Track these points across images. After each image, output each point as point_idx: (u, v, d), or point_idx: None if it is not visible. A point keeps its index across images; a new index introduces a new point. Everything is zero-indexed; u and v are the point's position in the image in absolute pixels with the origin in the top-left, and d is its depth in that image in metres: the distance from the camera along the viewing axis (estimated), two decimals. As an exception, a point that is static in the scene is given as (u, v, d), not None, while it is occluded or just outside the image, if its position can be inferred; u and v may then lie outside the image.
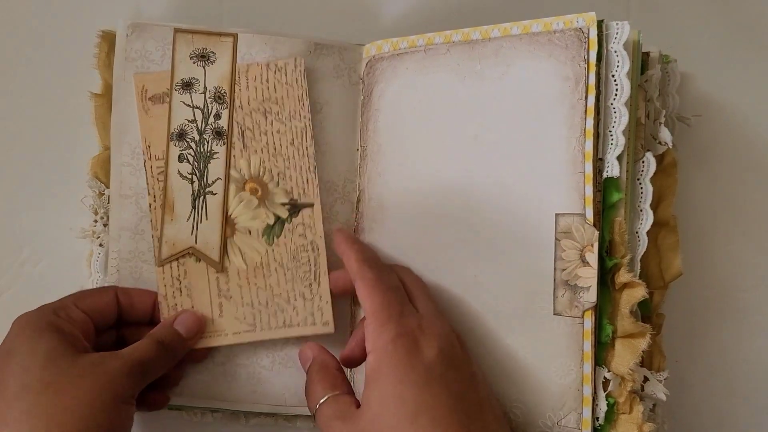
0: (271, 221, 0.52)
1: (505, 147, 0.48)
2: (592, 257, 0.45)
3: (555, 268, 0.46)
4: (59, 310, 0.46)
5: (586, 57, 0.45)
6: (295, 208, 0.52)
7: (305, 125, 0.52)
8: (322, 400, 0.44)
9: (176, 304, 0.50)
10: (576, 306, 0.45)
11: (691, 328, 0.54)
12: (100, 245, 0.52)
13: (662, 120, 0.49)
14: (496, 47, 0.48)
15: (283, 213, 0.52)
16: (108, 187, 0.51)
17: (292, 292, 0.51)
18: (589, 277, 0.45)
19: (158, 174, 0.51)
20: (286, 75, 0.52)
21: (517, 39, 0.48)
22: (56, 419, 0.40)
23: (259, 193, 0.51)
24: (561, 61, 0.46)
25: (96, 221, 0.52)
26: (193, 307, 0.50)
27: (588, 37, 0.45)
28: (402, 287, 0.47)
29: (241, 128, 0.51)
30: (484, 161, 0.49)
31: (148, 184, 0.50)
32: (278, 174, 0.52)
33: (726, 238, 0.54)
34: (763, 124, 0.55)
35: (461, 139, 0.49)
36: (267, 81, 0.52)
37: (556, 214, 0.46)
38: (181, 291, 0.50)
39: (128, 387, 0.43)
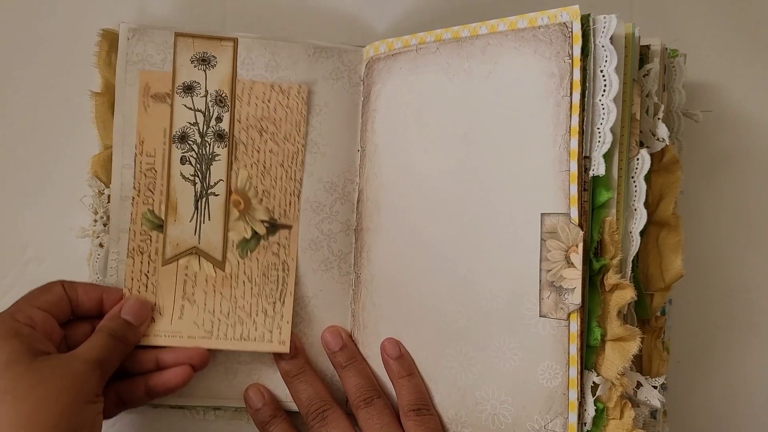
0: (248, 235, 0.53)
1: (493, 145, 0.47)
2: (577, 258, 0.44)
3: (540, 269, 0.45)
4: (17, 314, 0.45)
5: (570, 52, 0.44)
6: (273, 227, 0.53)
7: (298, 150, 0.53)
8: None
9: None
10: (561, 308, 0.44)
11: (694, 329, 0.52)
12: (100, 245, 0.52)
13: (660, 115, 0.47)
14: (483, 44, 0.48)
15: (261, 229, 0.53)
16: (108, 186, 0.52)
17: (255, 306, 0.52)
18: (573, 278, 0.44)
19: (147, 170, 0.52)
20: (288, 98, 0.53)
21: (503, 36, 0.47)
22: (18, 426, 0.40)
23: (241, 206, 0.53)
24: (546, 57, 0.45)
25: (95, 221, 0.52)
26: (155, 304, 0.52)
27: (572, 32, 0.44)
28: None
29: (235, 141, 0.53)
30: (474, 160, 0.48)
31: (135, 177, 0.52)
32: (263, 191, 0.53)
33: (731, 239, 0.52)
34: (765, 120, 0.52)
35: (451, 137, 0.49)
36: (269, 101, 0.53)
37: (542, 214, 0.45)
38: (147, 287, 0.52)
39: (90, 385, 0.44)
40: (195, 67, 0.53)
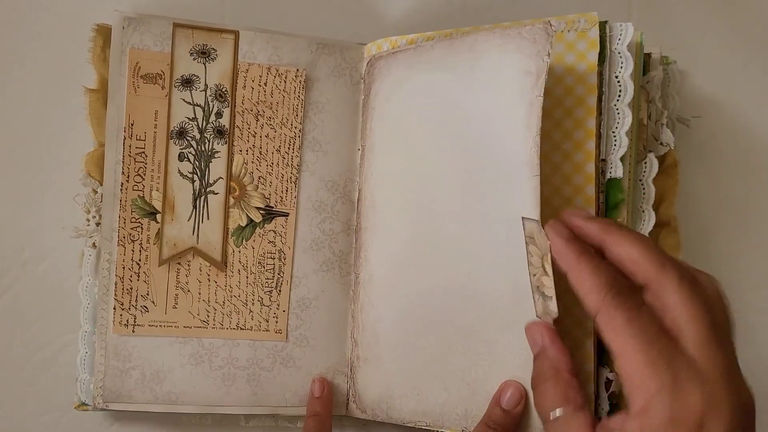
0: (243, 223, 0.52)
1: (478, 143, 0.47)
2: (549, 268, 0.41)
3: (529, 273, 0.43)
4: None
5: (549, 51, 0.43)
6: (269, 214, 0.52)
7: (295, 135, 0.52)
8: (556, 414, 0.40)
9: (131, 288, 0.50)
10: (547, 314, 0.43)
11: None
12: (93, 245, 0.50)
13: (664, 121, 0.49)
14: (472, 41, 0.47)
15: (257, 217, 0.52)
16: (101, 184, 0.50)
17: (251, 295, 0.52)
18: (549, 287, 0.42)
19: (136, 154, 0.50)
20: (285, 82, 0.52)
21: (491, 33, 0.47)
22: None
23: (236, 192, 0.51)
24: (526, 55, 0.44)
25: (88, 220, 0.50)
26: (148, 293, 0.50)
27: (555, 31, 0.43)
28: (665, 328, 0.36)
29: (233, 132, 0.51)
30: (466, 157, 0.48)
31: (123, 162, 0.50)
32: (259, 178, 0.52)
33: (727, 238, 0.53)
34: (763, 123, 0.55)
35: (444, 134, 0.49)
36: (265, 84, 0.52)
37: (523, 218, 0.43)
38: (139, 276, 0.50)
39: None
40: (194, 59, 0.51)
